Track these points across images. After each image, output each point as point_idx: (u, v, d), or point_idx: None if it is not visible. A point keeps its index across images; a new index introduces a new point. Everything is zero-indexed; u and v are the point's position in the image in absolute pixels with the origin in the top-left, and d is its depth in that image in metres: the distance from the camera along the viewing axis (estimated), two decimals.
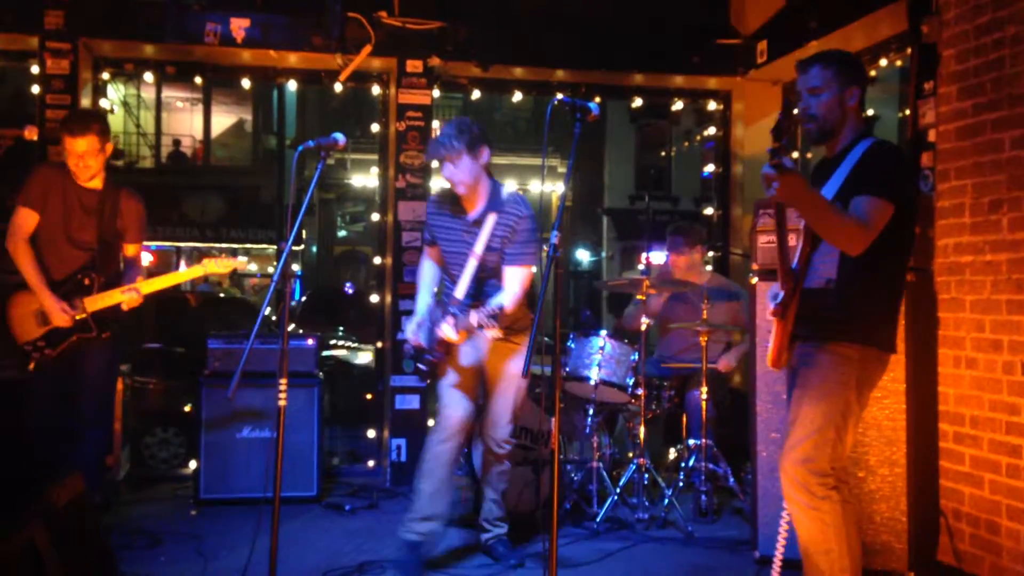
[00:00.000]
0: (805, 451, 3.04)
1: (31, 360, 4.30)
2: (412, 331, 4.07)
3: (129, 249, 4.59)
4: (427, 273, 4.29)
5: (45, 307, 4.26)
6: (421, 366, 4.04)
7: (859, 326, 3.06)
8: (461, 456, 4.26)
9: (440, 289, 4.29)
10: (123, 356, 4.68)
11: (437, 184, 5.09)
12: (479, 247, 3.99)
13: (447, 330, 3.85)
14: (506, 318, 3.94)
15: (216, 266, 4.39)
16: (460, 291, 4.03)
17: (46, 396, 4.37)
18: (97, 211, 4.40)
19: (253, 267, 23.78)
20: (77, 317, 4.28)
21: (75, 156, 4.32)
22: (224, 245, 21.50)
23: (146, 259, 4.55)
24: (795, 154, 6.58)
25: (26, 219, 4.34)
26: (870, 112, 7.25)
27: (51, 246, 4.37)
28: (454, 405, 4.15)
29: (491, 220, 3.98)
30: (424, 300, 4.18)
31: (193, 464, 5.35)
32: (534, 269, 4.04)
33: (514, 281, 4.00)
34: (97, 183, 4.43)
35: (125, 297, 4.27)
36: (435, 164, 6.23)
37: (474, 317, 3.78)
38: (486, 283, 4.08)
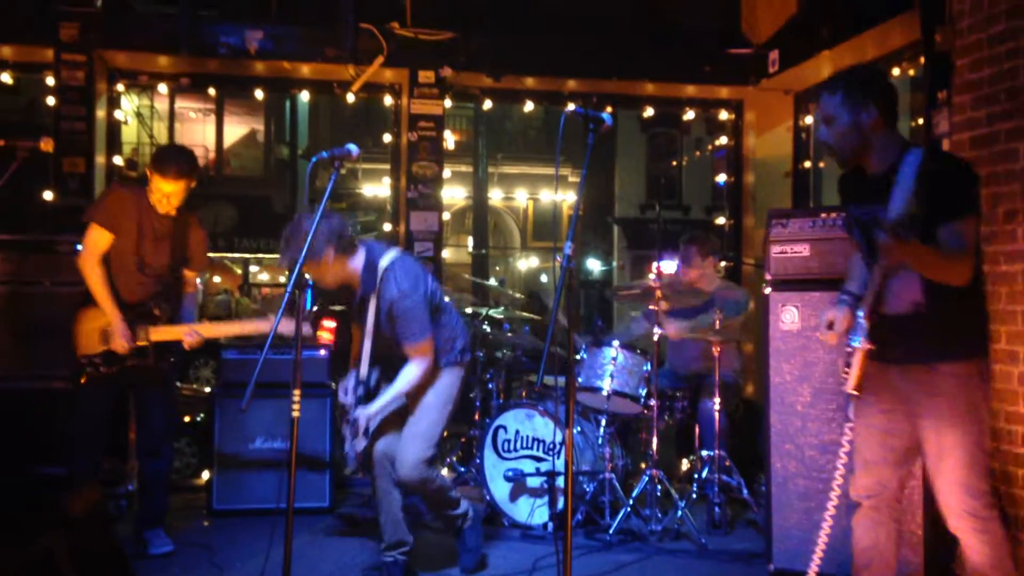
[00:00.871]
0: (964, 480, 2.97)
1: (84, 374, 4.31)
2: (341, 395, 4.07)
3: (188, 275, 4.58)
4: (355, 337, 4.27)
5: (112, 328, 4.25)
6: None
7: (967, 342, 3.02)
8: (395, 481, 4.16)
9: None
10: (181, 369, 4.71)
11: (448, 194, 5.09)
12: (369, 326, 3.97)
13: (348, 446, 3.96)
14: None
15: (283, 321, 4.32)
16: (362, 371, 4.02)
17: (95, 410, 4.39)
18: (169, 237, 4.41)
19: (264, 276, 23.87)
20: (139, 344, 4.29)
21: (162, 193, 4.29)
22: (236, 255, 21.59)
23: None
24: (807, 163, 6.58)
25: (100, 238, 4.27)
26: None
27: (122, 270, 4.35)
28: (377, 438, 4.13)
29: (372, 303, 3.94)
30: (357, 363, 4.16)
31: (206, 475, 5.36)
32: (427, 337, 3.95)
33: (412, 357, 3.95)
34: (172, 210, 4.42)
35: (188, 340, 4.31)
36: (447, 173, 6.28)
37: (361, 421, 3.91)
38: (388, 357, 4.05)
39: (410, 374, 3.95)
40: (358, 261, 3.93)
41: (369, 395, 4.01)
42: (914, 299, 3.02)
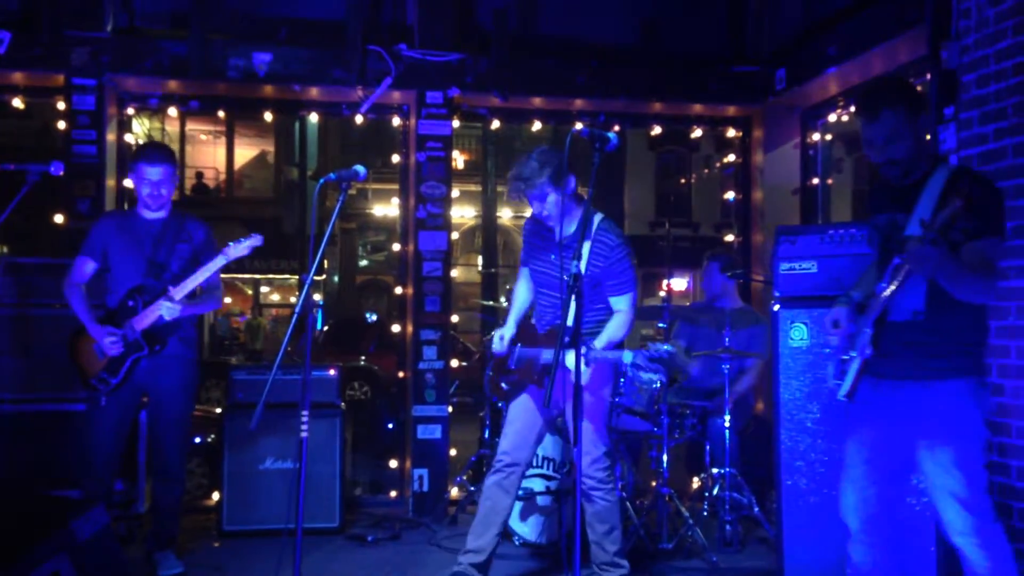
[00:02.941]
0: (963, 497, 2.95)
1: (101, 394, 4.35)
2: (499, 344, 4.13)
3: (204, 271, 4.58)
4: (520, 294, 4.35)
5: (94, 338, 4.33)
6: (504, 384, 4.08)
7: (962, 359, 3.00)
8: (513, 491, 4.18)
9: (530, 314, 4.33)
10: (196, 390, 4.72)
11: (458, 214, 5.09)
12: (579, 271, 3.95)
13: (585, 375, 3.82)
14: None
15: (236, 250, 4.42)
16: (568, 318, 4.00)
17: (109, 431, 4.41)
18: (158, 237, 4.48)
19: (276, 297, 23.94)
20: (127, 339, 4.33)
21: (151, 184, 4.40)
22: (247, 276, 21.67)
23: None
24: (815, 180, 6.57)
25: (80, 266, 4.45)
26: None
27: (113, 282, 4.47)
28: (509, 439, 4.15)
29: (586, 247, 3.95)
30: (514, 318, 4.26)
31: (216, 495, 5.36)
32: (634, 292, 4.08)
33: (624, 309, 4.04)
34: (162, 212, 4.52)
35: (163, 307, 4.33)
36: (456, 193, 6.30)
37: (597, 353, 3.89)
38: (588, 310, 4.07)
39: (621, 322, 4.02)
40: (580, 208, 4.04)
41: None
42: (914, 308, 3.02)
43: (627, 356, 3.86)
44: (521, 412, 4.17)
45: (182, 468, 4.66)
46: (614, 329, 4.02)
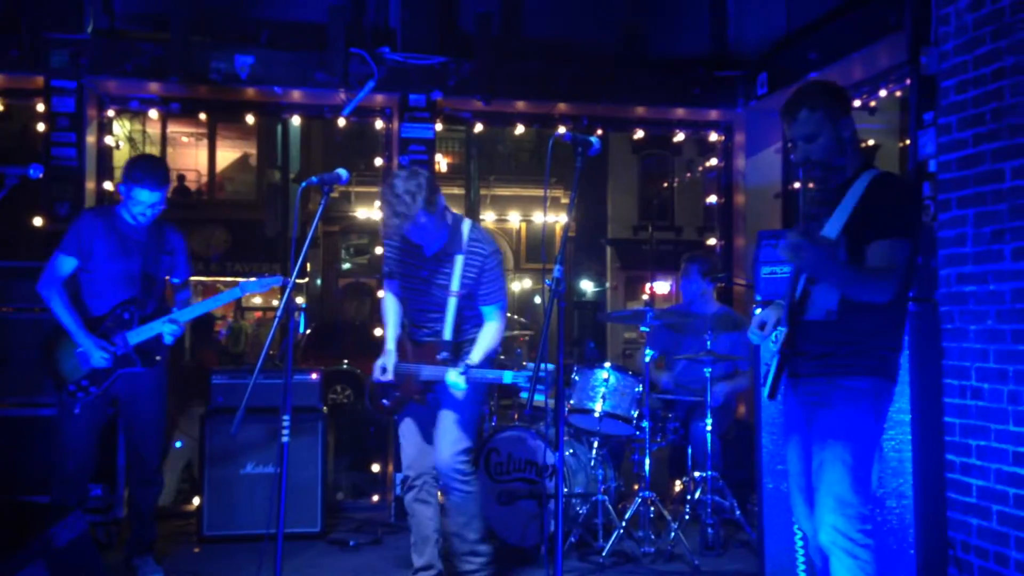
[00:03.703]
0: (841, 496, 2.94)
1: (77, 402, 4.26)
2: (384, 375, 4.06)
3: (178, 284, 4.58)
4: (393, 309, 4.25)
5: (83, 348, 4.23)
6: (385, 401, 4.08)
7: (866, 358, 3.02)
8: (432, 498, 4.17)
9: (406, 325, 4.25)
10: (167, 392, 4.64)
11: None
12: (456, 284, 3.97)
13: (459, 381, 3.85)
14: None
15: (251, 286, 4.35)
16: (447, 333, 4.02)
17: (84, 437, 4.35)
18: (144, 245, 4.39)
19: (257, 300, 23.82)
20: (118, 354, 4.28)
21: (144, 206, 4.28)
22: (229, 278, 21.54)
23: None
24: (796, 184, 6.61)
25: (62, 264, 4.29)
26: (871, 142, 7.27)
27: (95, 285, 4.34)
28: (408, 455, 4.15)
29: (457, 260, 3.98)
30: (392, 337, 4.17)
31: (196, 500, 5.33)
32: (505, 301, 4.10)
33: (496, 319, 4.04)
34: (149, 220, 4.42)
35: (167, 328, 4.28)
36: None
37: (476, 373, 3.87)
38: (465, 321, 4.09)
39: (494, 331, 4.03)
40: (450, 219, 4.01)
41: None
42: (828, 307, 3.05)
43: (507, 376, 3.87)
44: (410, 428, 4.16)
45: (159, 471, 4.63)
46: (488, 340, 4.02)
